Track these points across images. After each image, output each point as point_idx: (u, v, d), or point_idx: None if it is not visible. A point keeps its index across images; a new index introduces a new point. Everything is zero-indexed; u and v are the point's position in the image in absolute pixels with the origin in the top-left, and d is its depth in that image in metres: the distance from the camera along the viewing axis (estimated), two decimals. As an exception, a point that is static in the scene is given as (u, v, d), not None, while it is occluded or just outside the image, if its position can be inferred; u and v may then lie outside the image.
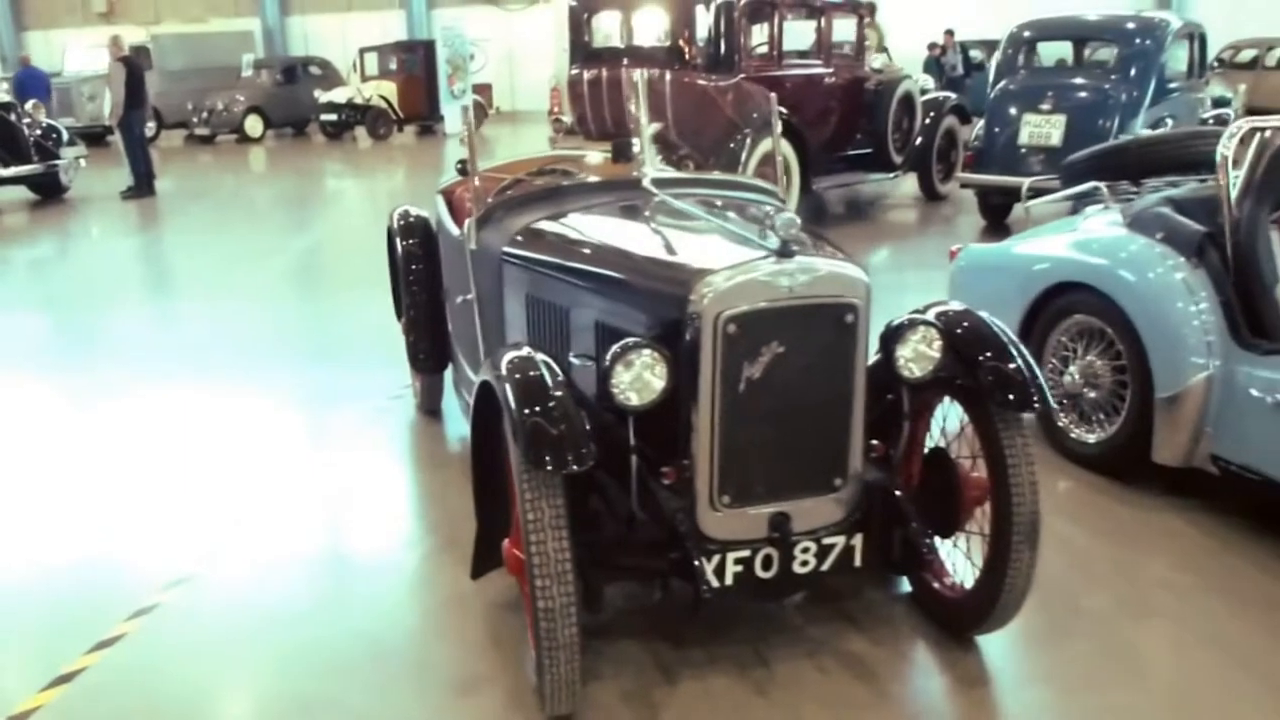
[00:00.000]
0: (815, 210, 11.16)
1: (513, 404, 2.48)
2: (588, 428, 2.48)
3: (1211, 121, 9.04)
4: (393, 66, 21.50)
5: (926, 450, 3.13)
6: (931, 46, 21.90)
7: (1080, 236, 4.38)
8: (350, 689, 2.93)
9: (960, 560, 3.11)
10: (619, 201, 3.53)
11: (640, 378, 2.58)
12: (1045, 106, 8.95)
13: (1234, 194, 3.84)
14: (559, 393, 2.51)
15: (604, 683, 2.89)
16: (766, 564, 2.72)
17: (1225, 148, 3.87)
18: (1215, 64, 16.67)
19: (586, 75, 9.44)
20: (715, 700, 2.81)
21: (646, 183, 3.47)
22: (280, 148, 20.77)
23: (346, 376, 5.73)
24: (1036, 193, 5.09)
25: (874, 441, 2.94)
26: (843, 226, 10.47)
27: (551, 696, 2.58)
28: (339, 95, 21.06)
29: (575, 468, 2.41)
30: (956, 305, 3.04)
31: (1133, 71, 8.91)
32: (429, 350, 4.67)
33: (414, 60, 21.43)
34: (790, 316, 2.61)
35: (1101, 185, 4.58)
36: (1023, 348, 2.87)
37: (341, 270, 8.94)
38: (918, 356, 2.82)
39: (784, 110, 9.24)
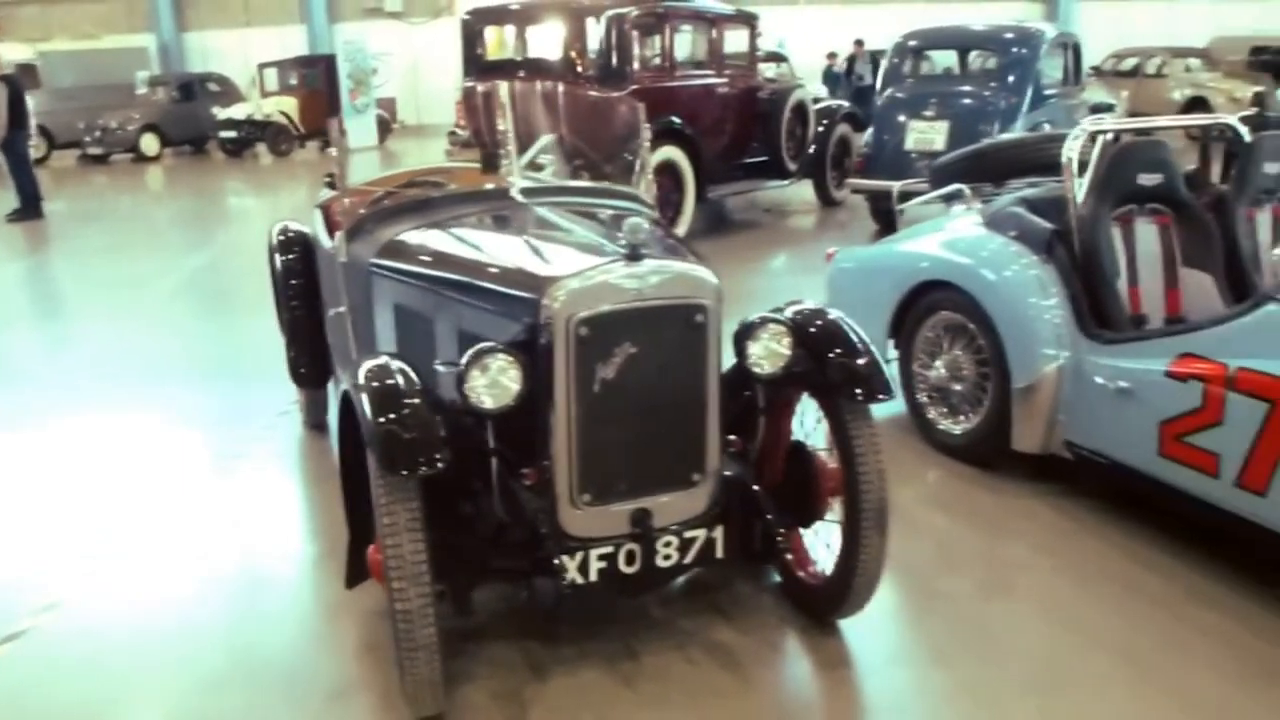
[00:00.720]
0: (715, 217, 11.34)
1: (368, 411, 2.53)
2: (442, 433, 2.54)
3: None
4: (293, 81, 21.25)
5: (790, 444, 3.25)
6: (830, 56, 22.36)
7: (944, 237, 4.56)
8: (221, 702, 2.94)
9: (822, 549, 3.23)
10: (487, 211, 3.59)
11: (495, 381, 2.65)
12: (929, 113, 9.23)
13: (1079, 193, 4.04)
14: (413, 399, 2.57)
15: (476, 683, 2.94)
16: (630, 559, 2.80)
17: (1069, 150, 4.08)
18: (1091, 72, 17.26)
19: (481, 88, 9.46)
20: (584, 694, 2.88)
21: (514, 193, 3.54)
22: (179, 166, 20.37)
23: (235, 395, 5.69)
24: (907, 195, 5.28)
25: (732, 437, 3.04)
26: (742, 233, 10.66)
27: (414, 697, 2.63)
28: (238, 112, 20.73)
29: (426, 470, 2.46)
30: (810, 304, 3.16)
31: (1011, 79, 9.24)
32: (309, 365, 4.68)
33: (315, 75, 21.21)
34: (641, 318, 2.70)
35: (964, 187, 4.77)
36: (869, 343, 3.00)
37: (236, 288, 8.83)
38: (768, 354, 2.93)
39: (678, 120, 9.46)
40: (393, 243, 3.47)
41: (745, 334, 2.94)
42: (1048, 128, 9.13)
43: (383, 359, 2.73)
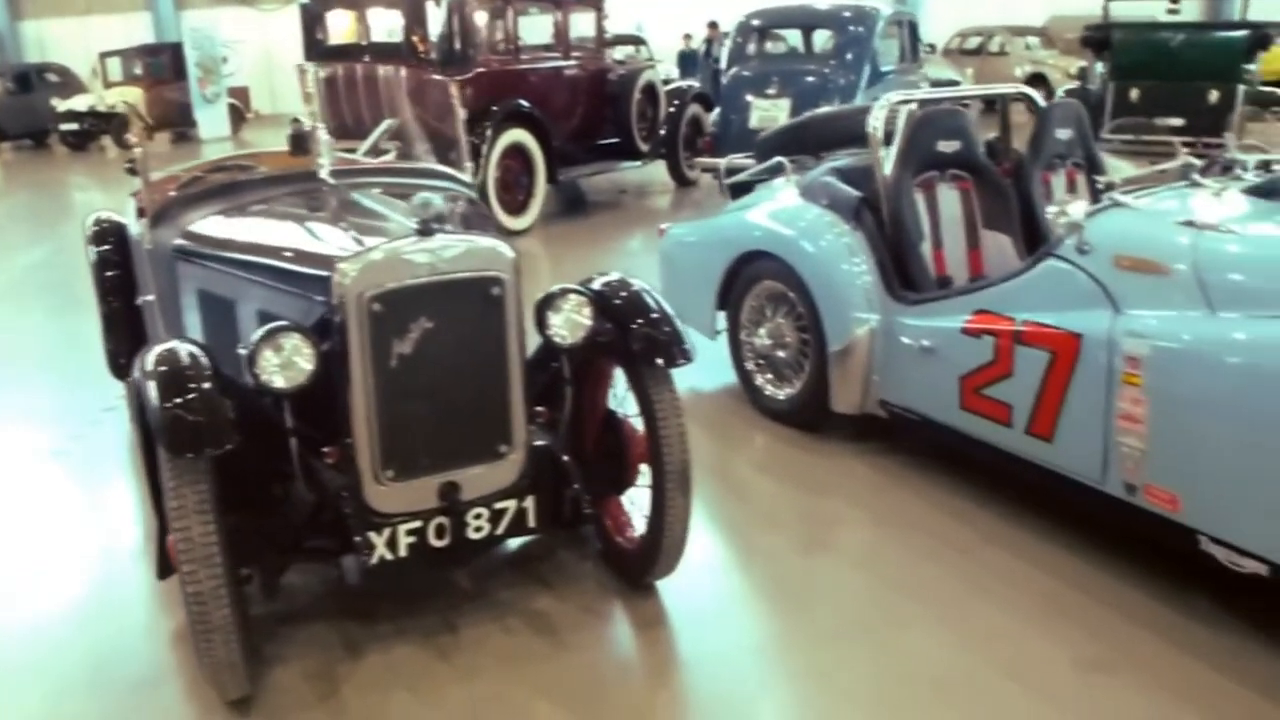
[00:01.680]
0: (573, 199, 11.38)
1: (153, 396, 2.50)
2: (231, 414, 2.52)
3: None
4: (138, 71, 20.46)
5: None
6: (685, 37, 22.51)
7: (765, 209, 4.68)
8: (24, 695, 2.87)
9: (638, 514, 3.31)
10: (293, 194, 3.55)
11: (288, 361, 2.63)
12: (771, 91, 9.43)
13: (886, 162, 4.20)
14: (200, 382, 2.54)
15: (288, 664, 2.93)
16: (440, 533, 2.82)
17: (874, 121, 4.23)
18: (929, 49, 17.81)
19: (322, 74, 9.29)
20: (398, 670, 2.90)
21: (324, 174, 3.51)
22: (17, 161, 19.43)
23: (61, 392, 5.50)
24: (733, 170, 5.40)
25: (540, 408, 3.09)
26: (599, 214, 10.71)
27: (215, 680, 2.61)
28: (79, 103, 19.85)
29: (212, 451, 2.45)
30: (614, 276, 3.22)
31: (848, 56, 9.50)
32: (129, 357, 4.54)
33: (161, 64, 20.45)
34: (435, 292, 2.72)
35: (784, 160, 4.90)
36: (668, 310, 3.08)
37: (68, 284, 8.46)
38: (569, 324, 2.98)
39: (526, 103, 9.43)
40: (195, 227, 3.41)
41: (546, 305, 2.98)
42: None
43: (171, 344, 2.69)
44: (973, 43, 21.90)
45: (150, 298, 3.73)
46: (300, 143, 3.94)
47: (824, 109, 6.69)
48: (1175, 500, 2.98)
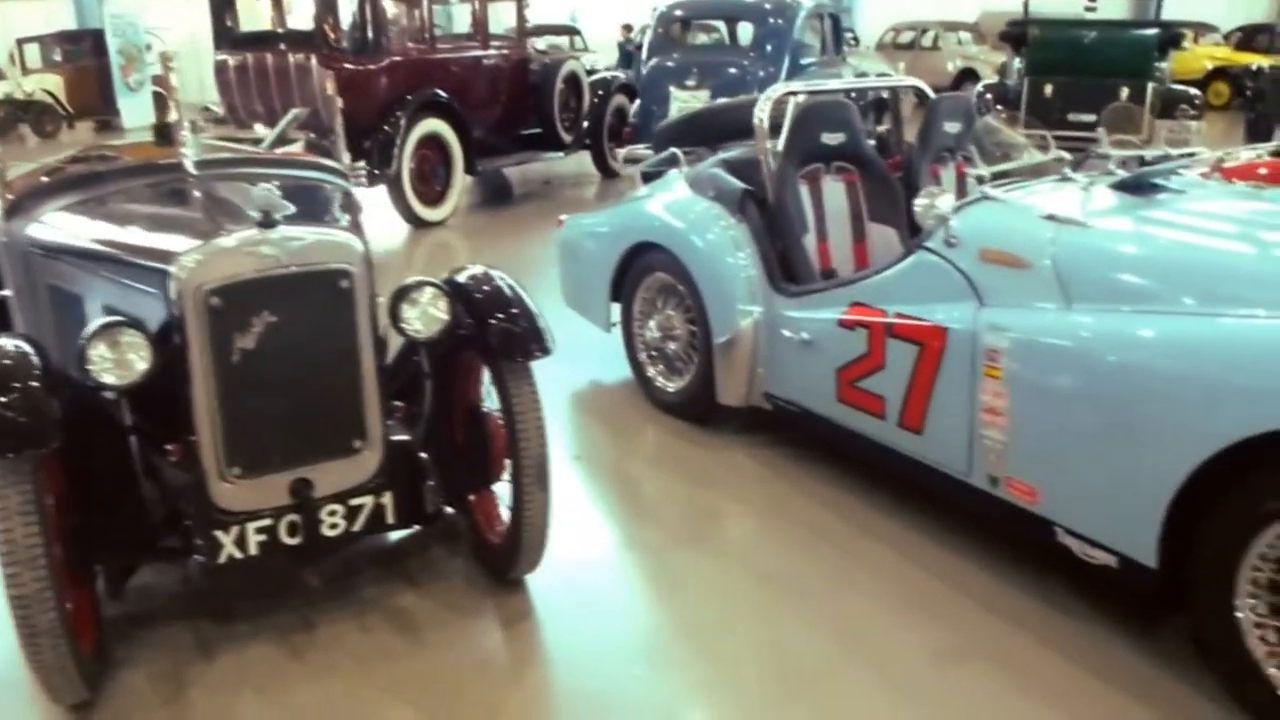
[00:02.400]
0: (498, 189, 11.28)
1: None
2: (58, 413, 2.44)
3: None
4: (57, 58, 19.95)
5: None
6: (626, 28, 22.43)
7: (657, 201, 4.65)
8: None
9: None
10: (153, 185, 3.45)
11: (121, 358, 2.56)
12: (691, 82, 9.41)
13: (773, 154, 4.19)
14: (24, 380, 2.45)
15: (136, 666, 2.85)
16: (292, 530, 2.76)
17: (760, 112, 4.22)
18: (853, 42, 17.95)
19: (232, 61, 9.12)
20: (249, 670, 2.84)
21: (188, 164, 3.42)
22: (-69, 150, 18.87)
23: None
24: (631, 161, 5.38)
25: (397, 402, 3.04)
26: (524, 205, 10.63)
27: (47, 685, 2.53)
28: (-4, 90, 19.35)
29: (34, 450, 2.37)
30: (478, 269, 3.16)
31: (768, 48, 9.51)
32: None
33: (81, 51, 19.97)
34: (278, 285, 2.66)
35: (678, 151, 4.88)
36: (529, 302, 3.04)
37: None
38: (424, 317, 2.93)
39: (442, 93, 9.32)
40: (47, 220, 3.30)
41: (400, 297, 2.93)
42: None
43: (1, 340, 2.60)
44: (906, 37, 22.09)
45: (7, 292, 3.62)
46: (166, 133, 3.84)
47: (721, 100, 6.68)
48: (1034, 492, 3.01)
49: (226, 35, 9.29)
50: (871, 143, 4.73)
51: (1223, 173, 5.08)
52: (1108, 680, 2.75)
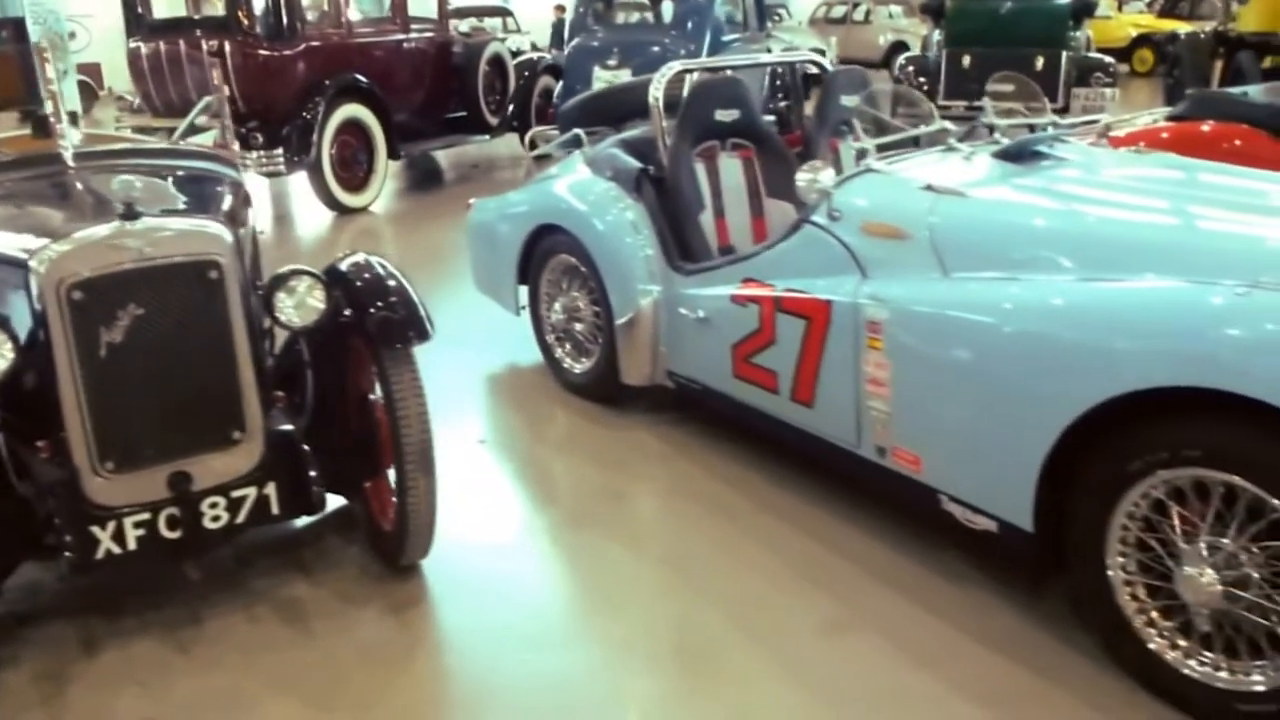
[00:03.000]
0: (429, 174, 11.18)
1: None
2: None
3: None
4: (-25, 49, 19.44)
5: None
6: (559, 9, 22.28)
7: (559, 182, 4.64)
8: None
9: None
10: (28, 178, 3.38)
11: None
12: (612, 62, 9.38)
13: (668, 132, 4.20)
14: None
15: (18, 666, 2.81)
16: (172, 524, 2.74)
17: (655, 91, 4.22)
18: (776, 17, 17.99)
19: (145, 49, 8.96)
20: (133, 666, 2.81)
21: (66, 156, 3.35)
22: None
23: None
24: (539, 141, 5.36)
25: (279, 392, 3.01)
26: (452, 188, 10.54)
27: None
28: (-88, 83, 18.82)
29: None
30: (359, 257, 3.13)
31: (689, 26, 9.50)
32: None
33: (0, 39, 19.46)
34: (143, 278, 2.62)
35: (580, 132, 4.87)
36: (409, 288, 3.02)
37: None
38: (301, 307, 2.90)
39: (362, 78, 9.21)
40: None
41: (276, 286, 2.90)
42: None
43: None
44: (838, 12, 22.18)
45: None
46: (42, 125, 3.76)
47: (623, 80, 6.67)
48: (918, 461, 3.05)
49: (140, 22, 9.11)
50: (772, 119, 4.75)
51: (1118, 140, 5.18)
52: (988, 643, 2.80)
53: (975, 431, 2.85)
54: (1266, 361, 2.20)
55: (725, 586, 3.14)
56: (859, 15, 21.75)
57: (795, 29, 20.87)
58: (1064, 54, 9.51)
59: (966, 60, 9.34)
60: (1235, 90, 5.74)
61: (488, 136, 10.82)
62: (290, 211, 9.54)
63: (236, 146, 3.89)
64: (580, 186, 4.43)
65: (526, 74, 11.20)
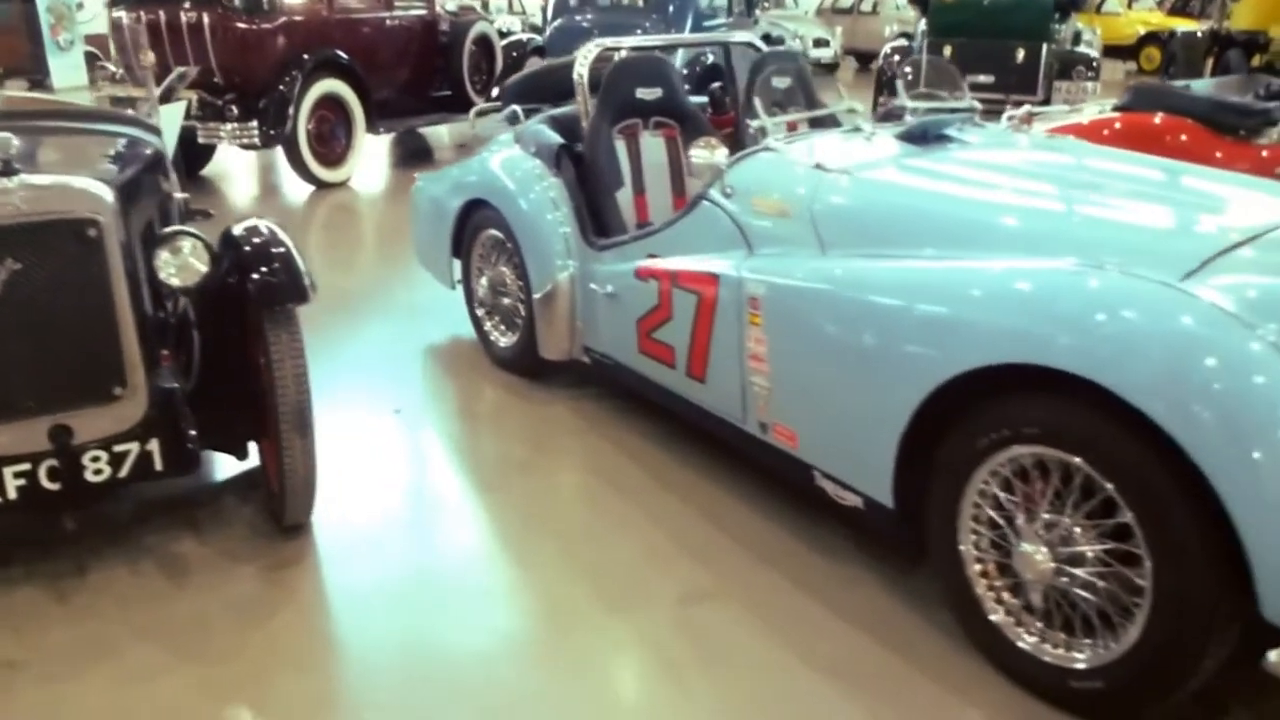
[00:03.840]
0: (418, 151, 11.18)
1: None
2: None
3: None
4: (-17, 18, 19.60)
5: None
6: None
7: (491, 157, 4.68)
8: None
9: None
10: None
11: None
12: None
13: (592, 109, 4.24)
14: None
15: (-105, 611, 2.90)
16: (53, 475, 2.80)
17: (580, 68, 4.26)
18: (766, 5, 17.94)
19: (127, 19, 9.04)
20: (12, 612, 2.87)
21: (-21, 116, 3.42)
22: None
23: None
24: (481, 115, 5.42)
25: (164, 351, 3.08)
26: (439, 166, 10.55)
27: None
28: (-81, 51, 18.98)
29: None
30: (251, 221, 3.19)
31: (670, 9, 9.51)
32: None
33: (6, 9, 19.60)
34: (18, 234, 2.68)
35: (518, 108, 4.91)
36: (293, 252, 3.07)
37: None
38: (184, 268, 2.96)
39: (342, 54, 9.26)
40: None
41: (159, 245, 2.95)
42: (709, 58, 9.49)
43: None
44: (845, 2, 22.09)
45: None
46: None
47: (565, 57, 6.70)
48: (795, 437, 3.09)
49: (122, -7, 9.18)
50: (705, 99, 4.79)
51: (1060, 130, 5.20)
52: (849, 618, 2.84)
53: (841, 409, 2.89)
54: (1093, 342, 2.24)
55: (603, 557, 3.19)
56: (866, 6, 21.66)
57: (800, 18, 20.83)
58: (1045, 46, 9.49)
59: (948, 50, 9.33)
60: (1179, 83, 5.73)
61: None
62: (275, 185, 9.57)
63: (158, 118, 3.94)
64: (508, 163, 4.47)
65: (515, 54, 11.24)
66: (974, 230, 2.81)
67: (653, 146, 4.33)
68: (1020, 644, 2.55)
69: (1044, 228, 2.74)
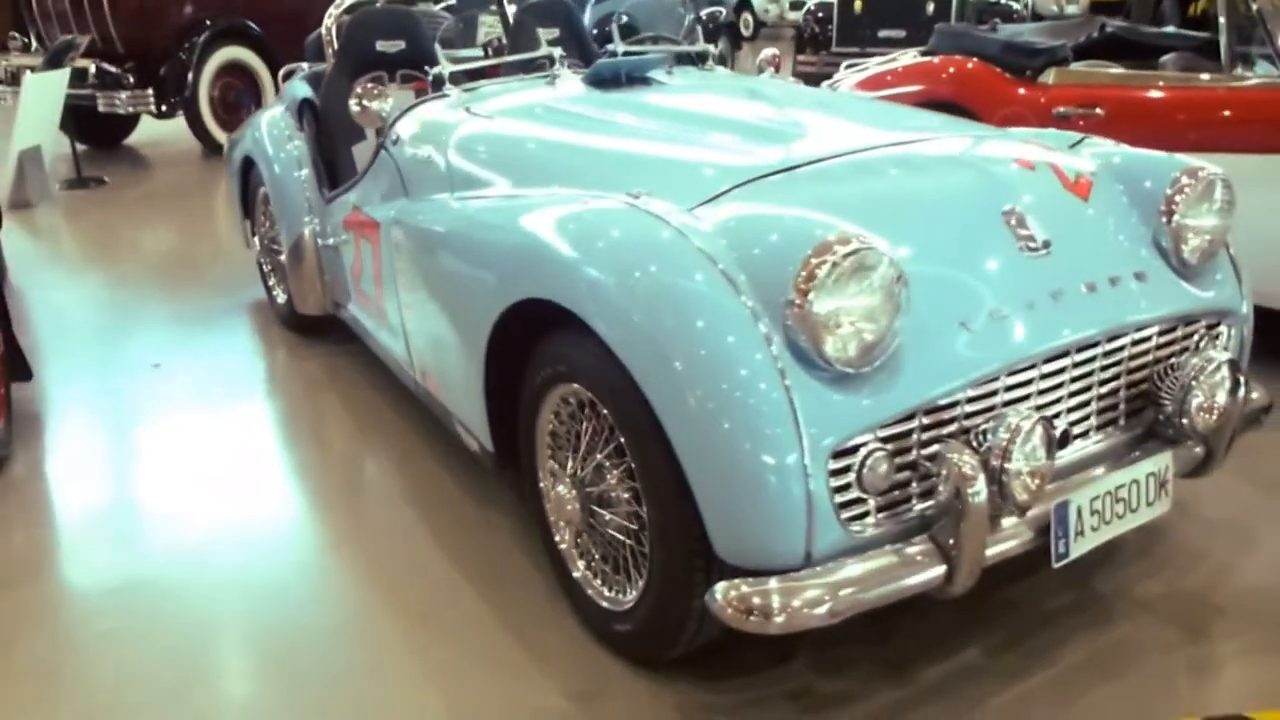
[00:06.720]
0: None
1: None
2: None
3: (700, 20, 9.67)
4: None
5: None
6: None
7: (263, 114, 4.66)
8: None
9: None
10: None
11: None
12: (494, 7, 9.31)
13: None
14: None
15: None
16: None
17: (328, 22, 4.24)
18: None
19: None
20: None
21: None
22: None
23: None
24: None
25: None
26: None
27: None
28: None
29: None
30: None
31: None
32: None
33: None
34: None
35: (305, 65, 4.90)
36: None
37: None
38: None
39: (251, 22, 9.27)
40: None
41: None
42: (624, 19, 9.36)
43: None
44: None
45: None
46: None
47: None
48: (439, 387, 3.06)
49: (31, -35, 9.27)
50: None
51: (864, 83, 5.12)
52: (456, 563, 2.84)
53: (447, 350, 2.85)
54: (564, 270, 2.19)
55: (266, 508, 3.19)
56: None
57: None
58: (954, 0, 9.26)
59: (858, 6, 9.14)
60: (984, 26, 5.58)
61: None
62: (191, 151, 9.60)
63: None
64: (271, 119, 4.48)
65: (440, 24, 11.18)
66: (550, 167, 2.75)
67: (401, 99, 4.29)
68: (589, 590, 2.50)
69: (609, 164, 2.68)
